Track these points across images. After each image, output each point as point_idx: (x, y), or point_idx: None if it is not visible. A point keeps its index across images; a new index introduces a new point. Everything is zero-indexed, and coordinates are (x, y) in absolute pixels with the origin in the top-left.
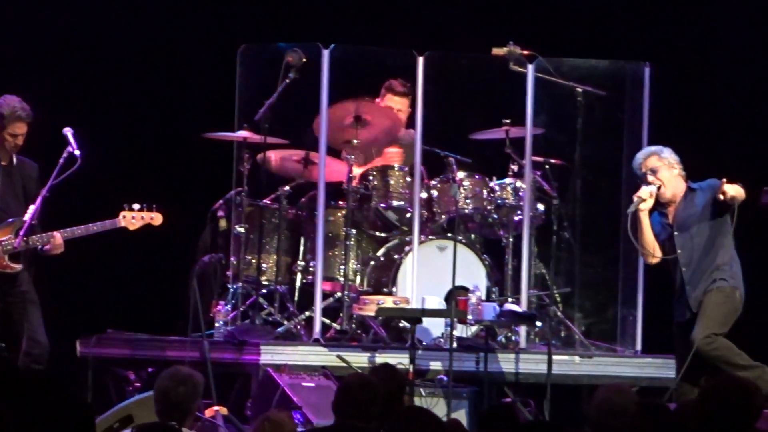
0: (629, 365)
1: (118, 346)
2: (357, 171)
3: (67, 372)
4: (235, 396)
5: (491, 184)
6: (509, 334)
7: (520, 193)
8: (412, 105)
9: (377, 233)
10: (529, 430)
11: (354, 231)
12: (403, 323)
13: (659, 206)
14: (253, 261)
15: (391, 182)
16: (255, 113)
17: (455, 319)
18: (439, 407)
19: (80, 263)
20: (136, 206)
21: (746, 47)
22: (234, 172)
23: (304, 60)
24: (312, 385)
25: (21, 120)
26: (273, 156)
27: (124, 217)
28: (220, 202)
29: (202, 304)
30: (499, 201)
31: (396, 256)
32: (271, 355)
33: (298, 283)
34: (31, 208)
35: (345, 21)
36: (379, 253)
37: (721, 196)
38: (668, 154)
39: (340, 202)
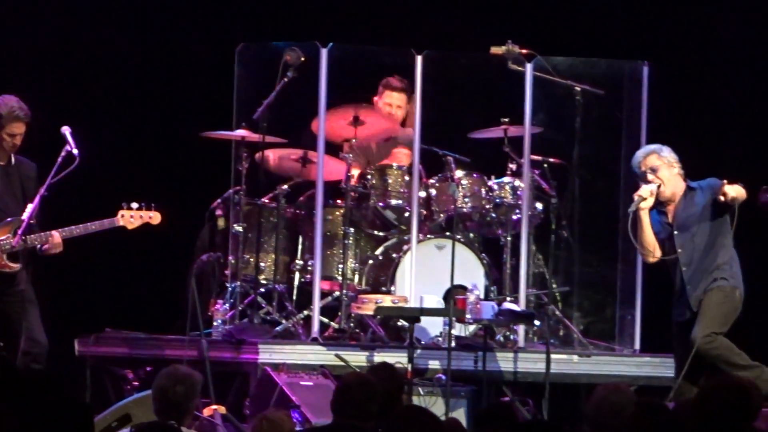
0: (628, 364)
1: (116, 345)
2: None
3: (66, 371)
4: (233, 395)
5: (490, 183)
6: (508, 333)
7: (519, 192)
8: (410, 102)
9: (375, 232)
10: (527, 429)
11: (352, 230)
12: (402, 322)
13: (658, 205)
14: (252, 260)
15: (390, 181)
16: (253, 112)
17: (454, 318)
18: (437, 406)
19: (78, 262)
20: (134, 205)
21: (745, 46)
22: (232, 171)
23: (303, 59)
24: (310, 384)
25: (19, 120)
26: (271, 155)
27: (122, 216)
28: (219, 201)
29: (201, 303)
30: (498, 200)
31: (394, 255)
32: (270, 354)
33: (296, 282)
34: (30, 207)
35: (343, 20)
36: (378, 252)
37: (722, 198)
38: (667, 153)
39: (339, 201)
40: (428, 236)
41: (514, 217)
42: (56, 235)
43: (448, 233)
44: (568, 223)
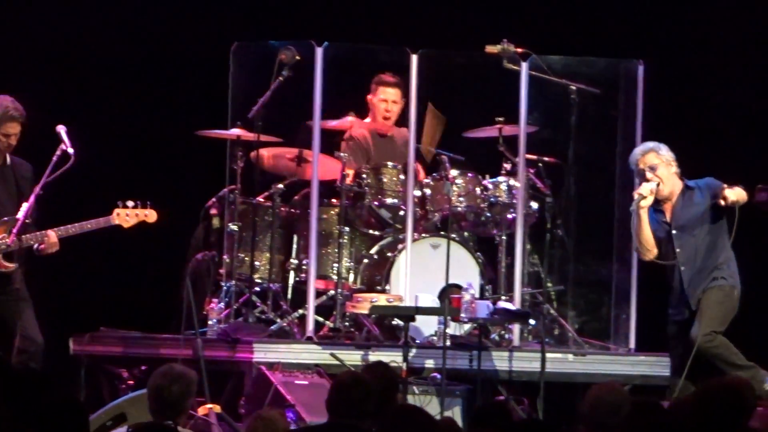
0: (623, 363)
1: (111, 344)
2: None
3: (60, 370)
4: (228, 394)
5: (484, 182)
6: (503, 332)
7: (514, 191)
8: (406, 98)
9: (370, 231)
10: (522, 428)
11: (347, 229)
12: (397, 321)
13: (654, 203)
14: (246, 259)
15: (384, 180)
16: (248, 111)
17: (449, 317)
18: (432, 405)
19: (73, 261)
20: (130, 203)
21: (740, 45)
22: (227, 170)
23: (297, 58)
24: (305, 383)
25: (14, 120)
26: (266, 154)
27: (118, 214)
28: (213, 199)
29: (196, 302)
30: (493, 199)
31: (389, 254)
32: (265, 353)
33: (291, 281)
34: (25, 206)
35: (338, 19)
36: (373, 251)
37: (722, 202)
38: (665, 151)
39: (333, 200)
40: (423, 235)
41: (509, 216)
42: (52, 235)
43: (443, 232)
44: (564, 222)
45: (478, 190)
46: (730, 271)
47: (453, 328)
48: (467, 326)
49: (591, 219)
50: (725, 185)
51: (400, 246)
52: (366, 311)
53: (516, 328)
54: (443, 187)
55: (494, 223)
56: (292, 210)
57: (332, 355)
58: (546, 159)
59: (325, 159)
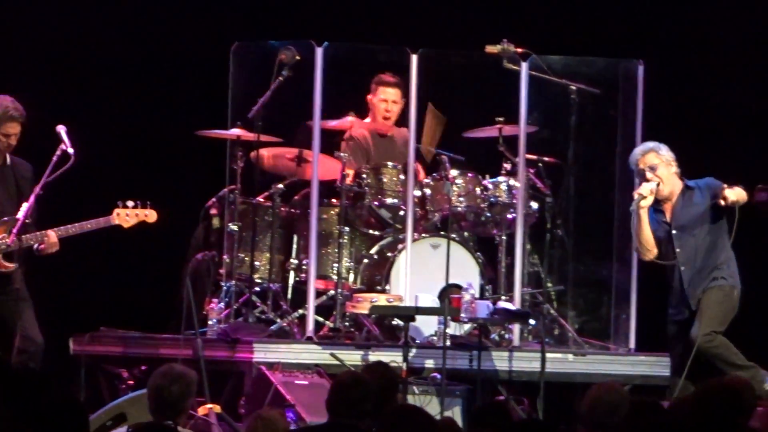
0: (623, 363)
1: (111, 344)
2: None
3: (60, 370)
4: (228, 394)
5: (484, 182)
6: (502, 332)
7: (514, 191)
8: (406, 98)
9: (370, 231)
10: (522, 428)
11: (347, 229)
12: (397, 321)
13: (654, 203)
14: (246, 259)
15: (384, 180)
16: (248, 111)
17: (449, 317)
18: (432, 405)
19: (73, 261)
20: (130, 203)
21: (740, 45)
22: (227, 170)
23: (297, 58)
24: (305, 383)
25: (14, 120)
26: (266, 154)
27: (118, 214)
28: (213, 199)
29: (195, 302)
30: (492, 199)
31: (389, 254)
32: (265, 353)
33: (291, 281)
34: (25, 206)
35: (338, 19)
36: (373, 251)
37: (722, 202)
38: (665, 151)
39: (334, 200)
40: (423, 235)
41: (509, 216)
42: (52, 235)
43: (443, 232)
44: (563, 222)
45: (478, 190)
46: (730, 271)
47: (453, 328)
48: (467, 326)
49: (591, 219)
50: (725, 185)
51: (400, 246)
52: (366, 311)
53: (516, 328)
54: (443, 187)
55: (494, 223)
56: (292, 210)
57: (332, 355)
58: (546, 159)
59: (325, 159)
